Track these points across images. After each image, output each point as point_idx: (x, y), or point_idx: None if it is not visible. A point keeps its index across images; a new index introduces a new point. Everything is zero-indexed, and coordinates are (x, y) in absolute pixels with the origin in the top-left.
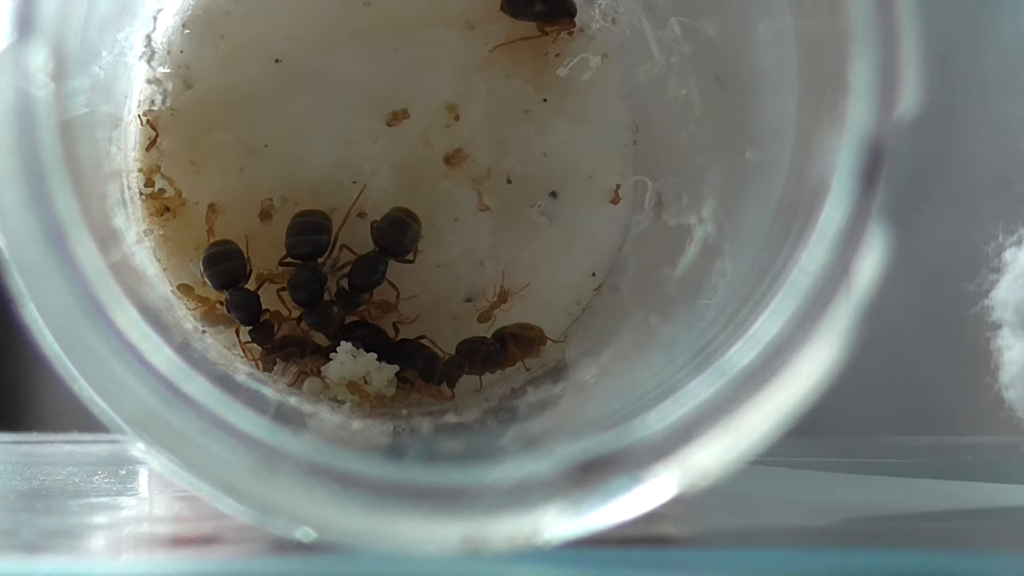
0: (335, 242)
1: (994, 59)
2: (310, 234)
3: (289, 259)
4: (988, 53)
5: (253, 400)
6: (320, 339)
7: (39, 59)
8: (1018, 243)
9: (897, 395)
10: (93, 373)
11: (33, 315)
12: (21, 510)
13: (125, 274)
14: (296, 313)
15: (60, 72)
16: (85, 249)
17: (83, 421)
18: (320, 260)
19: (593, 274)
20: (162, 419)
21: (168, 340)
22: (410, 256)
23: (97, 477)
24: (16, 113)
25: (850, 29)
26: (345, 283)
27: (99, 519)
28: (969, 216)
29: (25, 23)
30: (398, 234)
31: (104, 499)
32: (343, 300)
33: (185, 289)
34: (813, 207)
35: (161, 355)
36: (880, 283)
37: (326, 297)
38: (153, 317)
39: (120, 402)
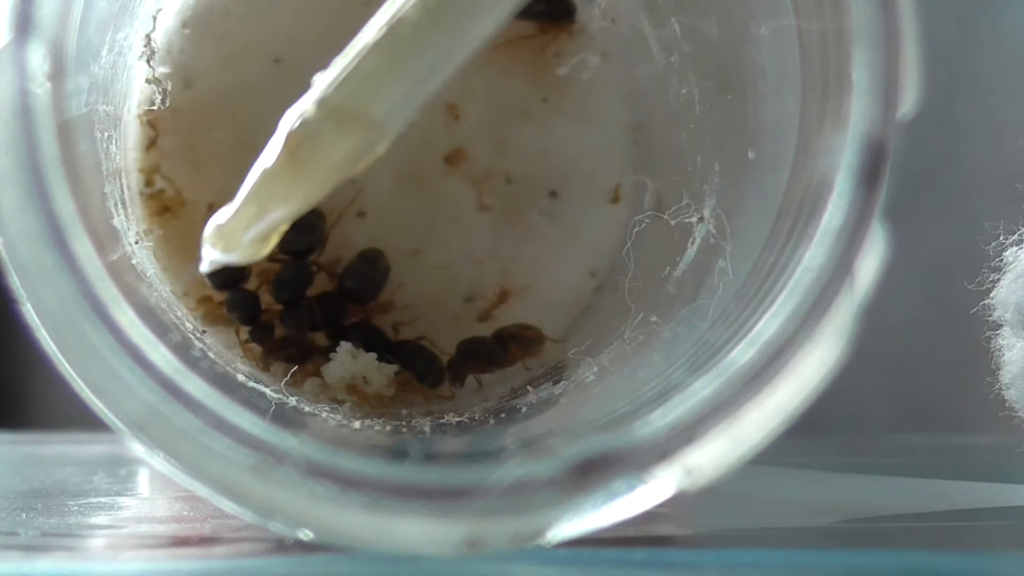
0: (326, 239)
1: (994, 58)
2: (301, 233)
3: (280, 256)
4: (988, 52)
5: (253, 400)
6: (320, 339)
7: (37, 58)
8: (1019, 242)
9: (897, 395)
10: (92, 373)
11: (31, 315)
12: (21, 510)
13: (125, 274)
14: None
15: (59, 71)
16: (84, 248)
17: (83, 421)
18: (311, 258)
19: (593, 274)
20: (162, 418)
21: (168, 340)
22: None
23: (97, 477)
24: (14, 112)
25: (853, 28)
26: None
27: (99, 519)
28: (969, 215)
29: (23, 22)
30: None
31: (104, 499)
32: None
33: (204, 301)
34: (815, 206)
35: (161, 355)
36: (880, 283)
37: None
38: (153, 317)
39: (119, 402)
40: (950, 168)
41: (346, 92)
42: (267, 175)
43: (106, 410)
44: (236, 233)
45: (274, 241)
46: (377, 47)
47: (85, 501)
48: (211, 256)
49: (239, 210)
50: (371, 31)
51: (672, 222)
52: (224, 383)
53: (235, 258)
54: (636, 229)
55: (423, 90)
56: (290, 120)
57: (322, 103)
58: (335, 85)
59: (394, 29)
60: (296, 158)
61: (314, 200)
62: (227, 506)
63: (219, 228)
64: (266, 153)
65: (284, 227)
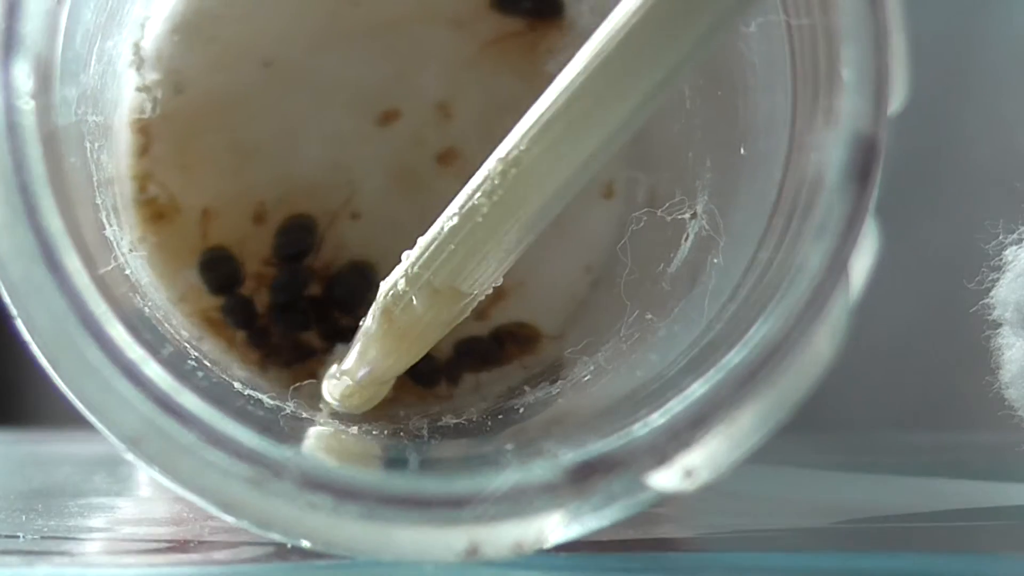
0: (321, 242)
1: (994, 56)
2: (297, 235)
3: (275, 259)
4: (988, 50)
5: (249, 410)
6: (316, 341)
7: (23, 75)
8: (1018, 241)
9: (896, 394)
10: (86, 389)
11: (23, 331)
12: (21, 511)
13: (118, 286)
14: None
15: (46, 86)
16: (74, 265)
17: (83, 420)
18: (306, 261)
19: (589, 269)
20: (157, 433)
21: (162, 352)
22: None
23: (97, 477)
24: (0, 130)
25: (842, 25)
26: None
27: (98, 520)
28: (969, 214)
29: (8, 39)
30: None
31: (103, 499)
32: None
33: (200, 306)
34: (808, 203)
35: (154, 369)
36: (880, 281)
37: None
38: (148, 326)
39: (114, 418)
40: (949, 166)
41: (432, 270)
42: (371, 340)
43: (101, 426)
44: (347, 387)
45: (387, 389)
46: (453, 232)
47: (85, 501)
48: (329, 402)
49: (348, 368)
50: (447, 217)
51: (666, 218)
52: (220, 394)
53: (348, 408)
54: (630, 226)
55: (505, 259)
56: (385, 290)
57: (412, 279)
58: (421, 263)
59: (467, 217)
60: (394, 327)
61: (416, 357)
62: (225, 518)
63: (332, 379)
64: (368, 320)
65: (393, 379)
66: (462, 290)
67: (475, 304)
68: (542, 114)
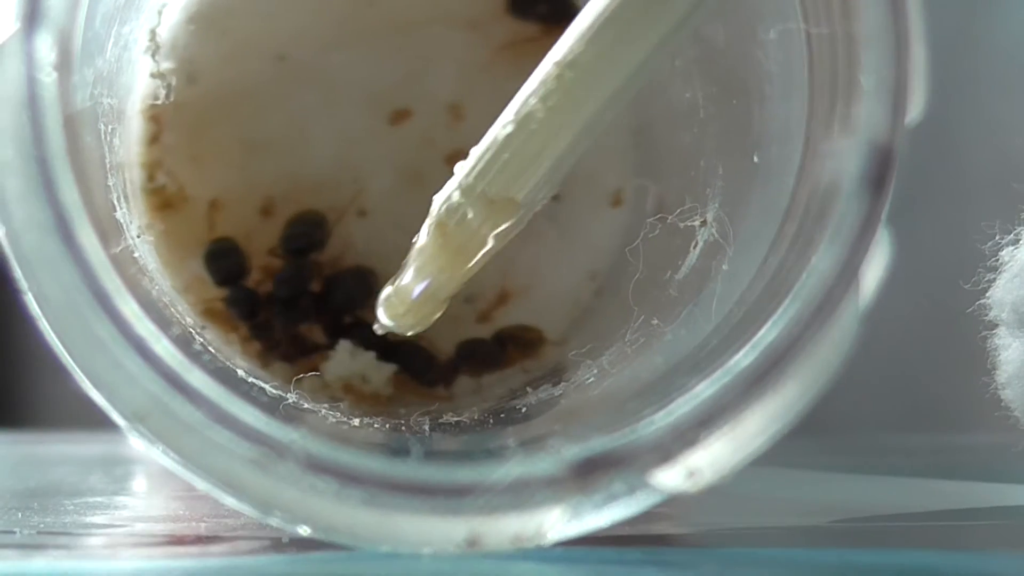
0: (327, 238)
1: (991, 59)
2: (305, 229)
3: (281, 252)
4: (985, 53)
5: (253, 395)
6: (319, 337)
7: (45, 48)
8: (1015, 242)
9: (893, 394)
10: (94, 364)
11: (33, 305)
12: (17, 509)
13: (128, 266)
14: None
15: (66, 62)
16: (89, 239)
17: (80, 420)
18: (312, 256)
19: (593, 276)
20: (164, 410)
21: (170, 333)
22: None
23: (93, 476)
24: (21, 101)
25: (863, 33)
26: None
27: (95, 518)
28: (966, 215)
29: (32, 12)
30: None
31: (100, 498)
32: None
33: (205, 297)
34: (821, 211)
35: (164, 347)
36: (878, 283)
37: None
38: (155, 311)
39: (121, 393)
40: (947, 168)
41: (487, 180)
42: (425, 256)
43: (106, 402)
44: (402, 304)
45: (442, 308)
46: (508, 141)
47: (81, 500)
48: (384, 322)
49: (403, 286)
50: (501, 125)
51: (675, 226)
52: (225, 377)
53: (403, 327)
54: (638, 232)
55: (560, 168)
56: (438, 204)
57: (466, 190)
58: (475, 173)
59: (522, 124)
60: (449, 240)
61: (470, 274)
62: (227, 500)
63: (387, 299)
64: (421, 236)
65: (447, 300)
66: (518, 200)
67: (530, 215)
68: (596, 16)
